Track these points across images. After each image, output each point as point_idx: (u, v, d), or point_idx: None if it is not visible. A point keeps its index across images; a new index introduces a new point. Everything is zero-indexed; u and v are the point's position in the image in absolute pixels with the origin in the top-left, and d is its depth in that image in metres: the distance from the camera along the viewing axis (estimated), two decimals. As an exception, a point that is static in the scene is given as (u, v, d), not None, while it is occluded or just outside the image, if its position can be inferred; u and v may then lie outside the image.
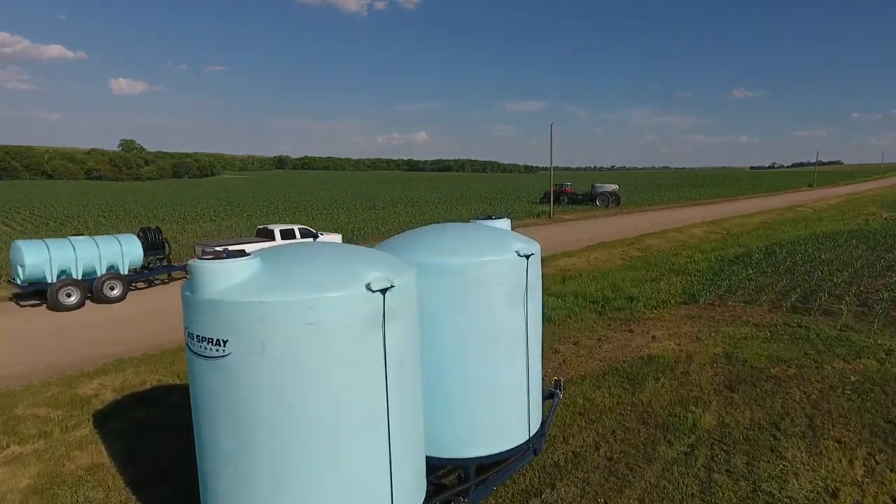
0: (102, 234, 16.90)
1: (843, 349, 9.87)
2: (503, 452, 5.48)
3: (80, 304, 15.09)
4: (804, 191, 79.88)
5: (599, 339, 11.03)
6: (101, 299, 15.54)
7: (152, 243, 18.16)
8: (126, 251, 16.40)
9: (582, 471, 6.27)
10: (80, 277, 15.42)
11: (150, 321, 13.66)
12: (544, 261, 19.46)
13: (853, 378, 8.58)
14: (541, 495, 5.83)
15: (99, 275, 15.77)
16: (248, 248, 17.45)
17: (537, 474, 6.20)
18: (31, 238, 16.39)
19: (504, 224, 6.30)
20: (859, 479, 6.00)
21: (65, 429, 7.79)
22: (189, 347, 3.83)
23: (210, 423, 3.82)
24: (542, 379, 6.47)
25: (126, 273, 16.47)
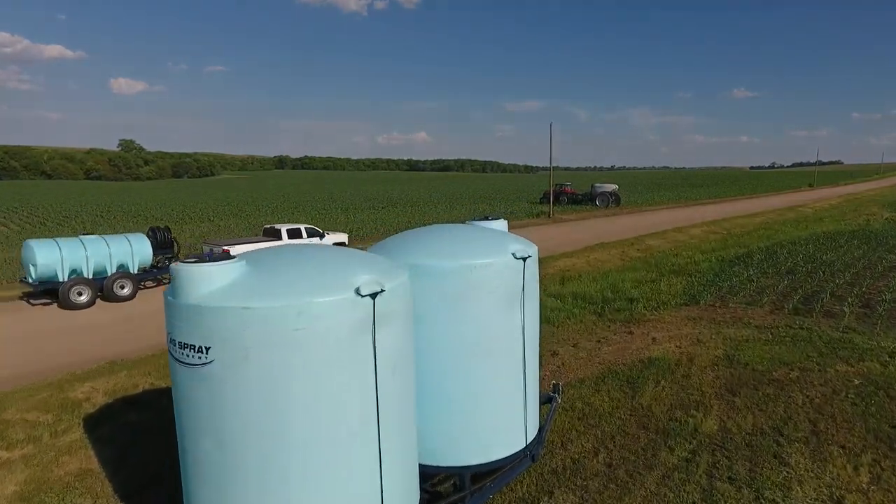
0: (98, 235, 17.02)
1: (846, 352, 9.73)
2: (499, 460, 5.34)
3: (90, 303, 15.34)
4: (804, 191, 79.77)
5: (599, 341, 10.89)
6: (111, 298, 15.79)
7: (161, 242, 18.51)
8: (136, 250, 16.66)
9: (580, 478, 6.13)
10: (90, 276, 15.66)
11: (155, 321, 13.59)
12: (543, 261, 19.36)
13: (857, 381, 8.44)
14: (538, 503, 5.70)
15: (109, 274, 16.01)
16: (255, 247, 17.63)
17: (535, 481, 6.06)
18: (42, 238, 16.71)
19: (500, 225, 6.15)
20: (864, 486, 5.86)
21: (54, 433, 7.66)
22: (171, 354, 3.68)
23: (193, 433, 3.68)
24: (540, 382, 6.33)
25: (136, 272, 16.68)
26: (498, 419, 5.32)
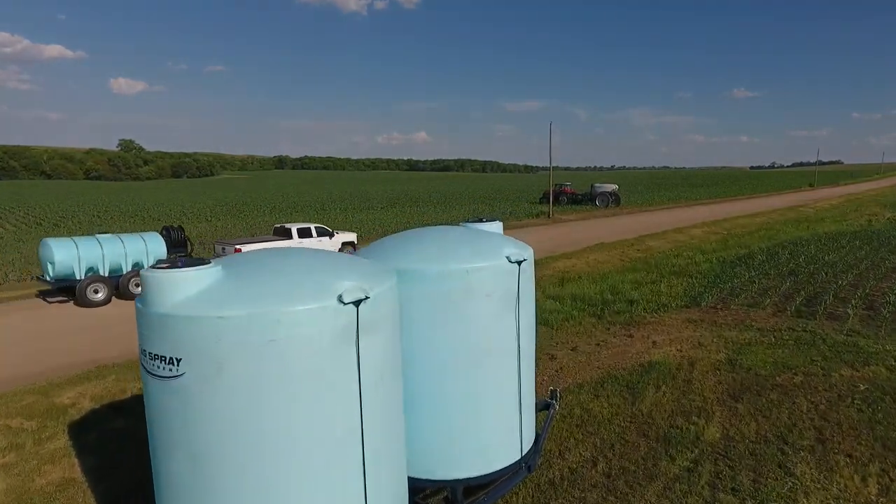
0: (114, 234, 17.50)
1: (851, 355, 9.50)
2: (494, 472, 5.12)
3: (107, 300, 15.58)
4: (805, 190, 79.56)
5: (598, 345, 10.67)
6: (127, 295, 15.95)
7: (175, 241, 19.01)
8: (150, 249, 16.96)
9: (578, 489, 5.91)
10: (106, 274, 15.97)
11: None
12: (542, 262, 19.13)
13: (862, 387, 8.22)
14: (534, 516, 5.49)
15: (125, 272, 16.27)
16: (266, 246, 17.60)
17: (531, 493, 5.84)
18: (59, 237, 17.08)
19: (495, 227, 5.93)
20: (873, 497, 5.64)
21: (38, 441, 7.44)
22: (142, 365, 3.47)
23: (165, 449, 3.47)
24: (538, 387, 6.11)
25: None
26: (492, 429, 5.10)
